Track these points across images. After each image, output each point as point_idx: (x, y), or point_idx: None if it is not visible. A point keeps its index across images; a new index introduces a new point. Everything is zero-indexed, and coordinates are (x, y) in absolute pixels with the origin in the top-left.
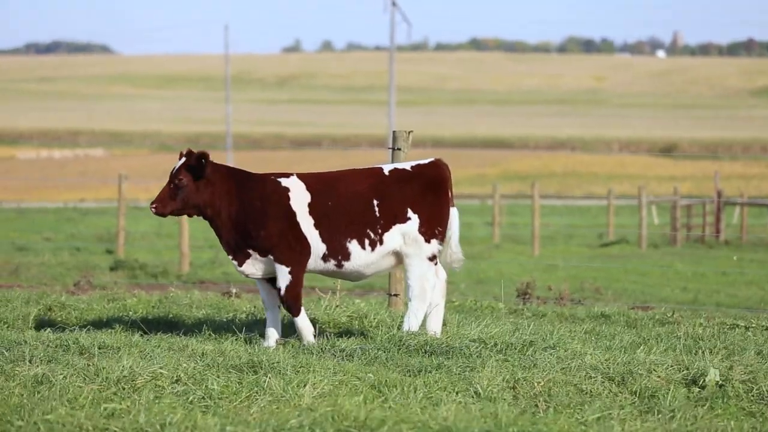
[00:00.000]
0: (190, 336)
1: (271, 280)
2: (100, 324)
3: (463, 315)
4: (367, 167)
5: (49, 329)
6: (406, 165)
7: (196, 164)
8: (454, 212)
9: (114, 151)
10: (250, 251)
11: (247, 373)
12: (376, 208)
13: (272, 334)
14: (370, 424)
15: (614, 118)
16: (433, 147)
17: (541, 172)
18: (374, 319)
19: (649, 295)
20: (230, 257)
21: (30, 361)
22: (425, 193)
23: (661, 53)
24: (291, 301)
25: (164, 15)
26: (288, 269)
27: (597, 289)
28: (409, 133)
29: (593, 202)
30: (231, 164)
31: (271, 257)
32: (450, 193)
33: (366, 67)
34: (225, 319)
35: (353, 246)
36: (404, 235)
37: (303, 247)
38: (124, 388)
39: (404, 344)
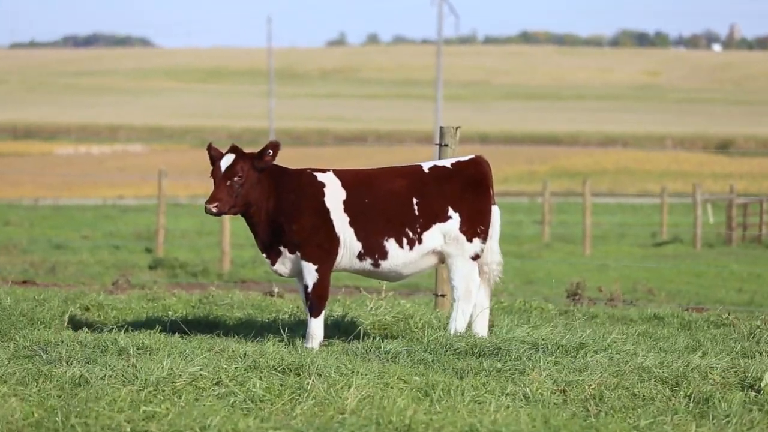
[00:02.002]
0: (231, 337)
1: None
2: (138, 324)
3: (512, 316)
4: (405, 165)
5: (86, 329)
6: (446, 162)
7: (263, 155)
8: (495, 211)
9: (154, 147)
10: (281, 248)
11: (289, 375)
12: (416, 207)
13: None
14: (415, 427)
15: (668, 114)
16: (480, 143)
17: (592, 169)
18: (420, 320)
19: (704, 296)
20: (264, 255)
21: (67, 362)
22: (466, 191)
23: (717, 47)
24: (315, 300)
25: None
26: (315, 267)
27: (650, 290)
28: (456, 128)
29: (646, 200)
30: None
31: (299, 254)
32: (491, 191)
33: (412, 61)
34: (267, 320)
35: (391, 245)
36: (445, 234)
37: (333, 245)
38: (163, 390)
39: (451, 346)
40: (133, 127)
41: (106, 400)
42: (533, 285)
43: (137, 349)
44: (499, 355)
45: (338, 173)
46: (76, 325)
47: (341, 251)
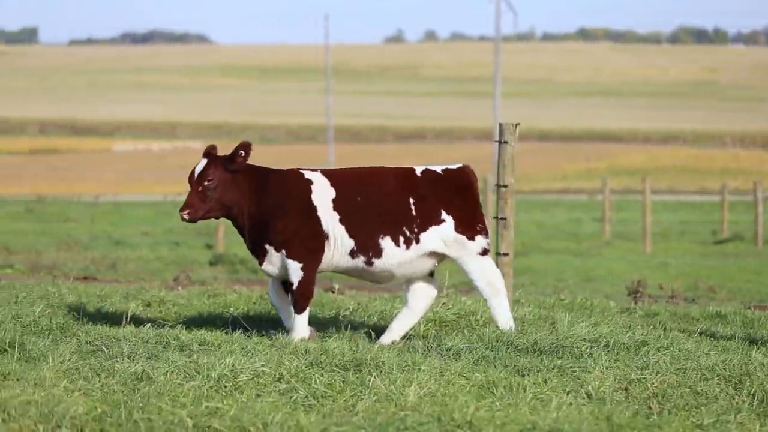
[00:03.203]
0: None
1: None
2: (200, 320)
3: (573, 313)
4: (397, 167)
5: (148, 325)
6: (437, 168)
7: (234, 156)
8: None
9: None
10: (267, 246)
11: (351, 371)
12: (412, 206)
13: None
14: (477, 424)
15: (727, 111)
16: (539, 140)
17: (651, 167)
18: (481, 317)
19: (766, 294)
20: (253, 256)
21: (130, 358)
22: (456, 196)
23: None
24: (300, 298)
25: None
26: (300, 265)
27: (711, 287)
28: (515, 125)
29: (706, 198)
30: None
31: (284, 252)
32: (478, 197)
33: (470, 58)
34: (328, 316)
35: (386, 243)
36: (443, 238)
37: (319, 244)
38: (225, 386)
39: (512, 343)
40: (191, 123)
41: (169, 395)
42: (593, 282)
43: (199, 345)
44: (561, 353)
45: (326, 172)
46: (137, 320)
47: (331, 249)
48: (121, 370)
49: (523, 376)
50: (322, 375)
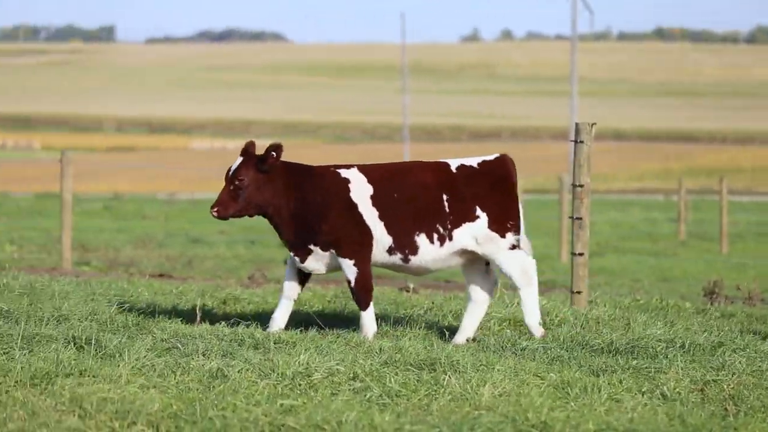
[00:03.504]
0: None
1: (302, 273)
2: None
3: (648, 314)
4: (433, 161)
5: (223, 323)
6: (473, 161)
7: (265, 156)
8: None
9: (288, 142)
10: (312, 247)
11: (425, 370)
12: (446, 203)
13: (275, 324)
14: (551, 424)
15: None
16: (615, 140)
17: (728, 167)
18: (556, 317)
19: None
20: (291, 254)
21: (205, 355)
22: (492, 191)
23: None
24: (361, 294)
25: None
26: (353, 262)
27: None
28: (592, 125)
29: None
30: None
31: (334, 252)
32: (516, 189)
33: (546, 57)
34: (402, 315)
35: (421, 240)
36: (476, 235)
37: (367, 238)
38: (300, 384)
39: (587, 343)
40: (267, 122)
41: (244, 393)
42: (669, 283)
43: (274, 343)
44: (636, 353)
45: (363, 169)
46: (212, 318)
47: (374, 244)
48: (196, 367)
49: (597, 376)
50: (396, 374)
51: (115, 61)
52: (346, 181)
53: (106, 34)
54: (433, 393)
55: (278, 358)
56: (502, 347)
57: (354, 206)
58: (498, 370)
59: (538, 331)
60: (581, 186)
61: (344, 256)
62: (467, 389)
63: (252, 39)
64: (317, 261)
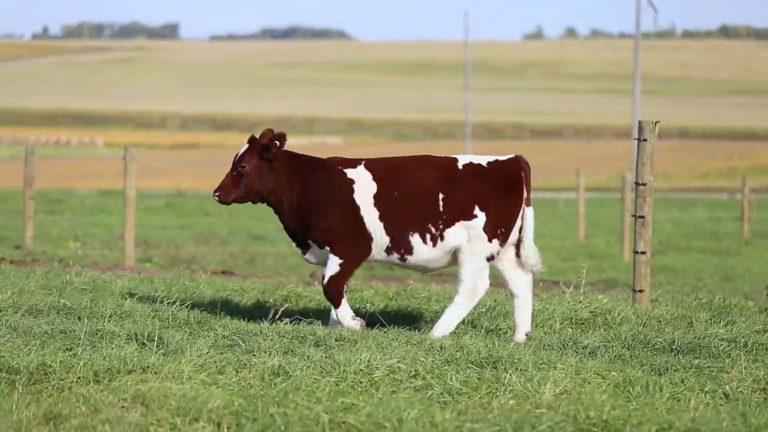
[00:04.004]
0: (429, 330)
1: None
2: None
3: (711, 313)
4: (442, 156)
5: (285, 320)
6: (483, 160)
7: (269, 145)
8: (529, 212)
9: (351, 139)
10: (310, 242)
11: (486, 368)
12: (441, 202)
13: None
14: (613, 423)
15: None
16: (679, 138)
17: None
18: (618, 315)
19: None
20: (294, 245)
21: (267, 353)
22: (497, 192)
23: None
24: (332, 292)
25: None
26: (340, 261)
27: None
28: (655, 123)
29: None
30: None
31: (328, 248)
32: (526, 192)
33: (610, 55)
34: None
35: (415, 240)
36: (468, 231)
37: (365, 242)
38: (361, 382)
39: (649, 342)
40: (330, 119)
41: (305, 390)
42: (732, 282)
43: (335, 340)
44: (698, 352)
45: (369, 165)
46: (274, 316)
47: (372, 245)
48: (257, 364)
49: (660, 375)
50: (457, 372)
51: (178, 59)
52: (351, 181)
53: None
54: (494, 391)
55: (340, 355)
56: (563, 345)
57: (356, 208)
58: (559, 368)
59: (437, 335)
60: (644, 184)
61: (335, 254)
62: (528, 387)
63: (316, 36)
64: (315, 256)
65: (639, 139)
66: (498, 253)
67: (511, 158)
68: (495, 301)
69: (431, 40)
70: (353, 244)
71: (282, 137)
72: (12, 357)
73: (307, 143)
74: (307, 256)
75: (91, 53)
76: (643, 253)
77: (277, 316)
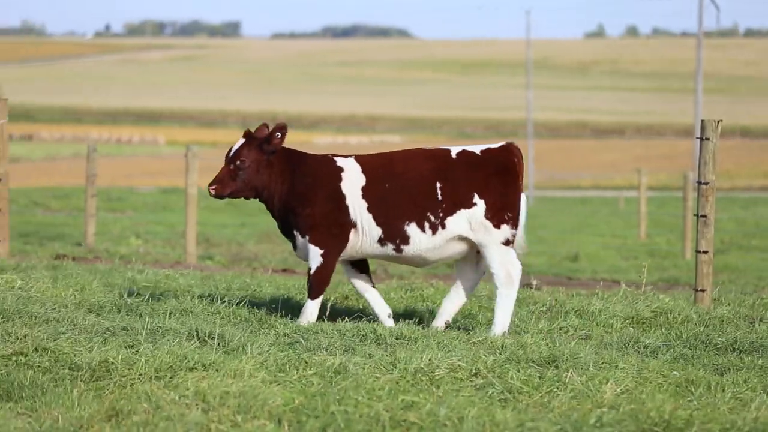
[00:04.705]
0: (489, 328)
1: (357, 262)
2: (397, 314)
3: None
4: (433, 148)
5: (346, 318)
6: (476, 149)
7: (270, 137)
8: (522, 198)
9: (412, 138)
10: (295, 232)
11: (547, 367)
12: (439, 191)
13: (382, 312)
14: (675, 423)
15: None
16: (741, 137)
17: None
18: (679, 315)
19: None
20: (287, 239)
21: (327, 351)
22: (493, 179)
23: None
24: (315, 284)
25: None
26: (321, 252)
27: None
28: (718, 122)
29: None
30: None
31: (307, 237)
32: (520, 179)
33: (672, 54)
34: (525, 312)
35: (412, 229)
36: (470, 221)
37: (343, 233)
38: (421, 380)
39: (711, 342)
40: (391, 117)
41: (365, 388)
42: None
43: (396, 338)
44: (760, 352)
45: (360, 159)
46: (335, 313)
47: (359, 237)
48: (318, 362)
49: (722, 375)
50: (518, 370)
51: (240, 57)
52: (340, 170)
53: (231, 30)
54: (555, 390)
55: (400, 353)
56: (624, 345)
57: (342, 197)
58: (620, 367)
59: (498, 333)
60: (706, 183)
61: (315, 245)
62: (589, 386)
63: (377, 35)
64: (300, 249)
65: (701, 138)
66: (514, 236)
67: (503, 145)
68: (555, 300)
69: (493, 38)
70: (329, 233)
71: (283, 128)
72: (74, 354)
73: (368, 142)
74: (297, 251)
75: (153, 51)
76: (705, 252)
77: (327, 313)
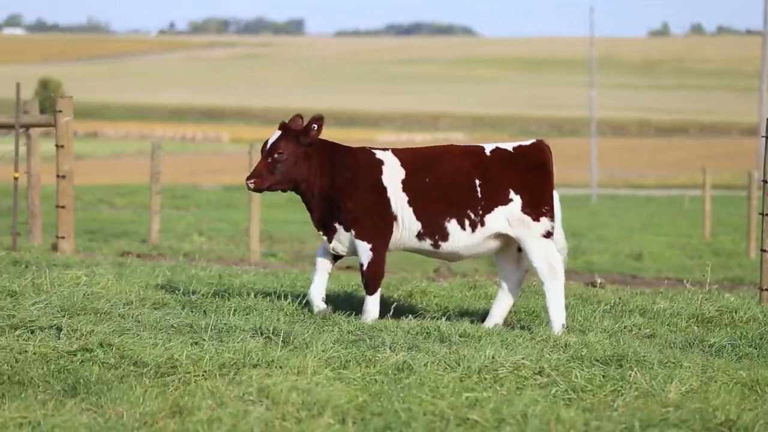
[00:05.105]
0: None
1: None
2: (460, 312)
3: None
4: (467, 145)
5: (410, 316)
6: (508, 146)
7: (308, 129)
8: (555, 196)
9: (475, 136)
10: (336, 225)
11: (611, 366)
12: (478, 188)
13: (314, 299)
14: (741, 423)
15: None
16: None
17: None
18: (745, 314)
19: None
20: (320, 233)
21: (391, 348)
22: (527, 175)
23: None
24: (371, 279)
25: None
26: (369, 246)
27: None
28: None
29: None
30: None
31: (353, 232)
32: (552, 176)
33: (737, 52)
34: (589, 311)
35: (452, 226)
36: (508, 218)
37: (387, 224)
38: (485, 378)
39: None
40: (454, 115)
41: (429, 386)
42: None
43: (460, 336)
44: None
45: (397, 152)
46: (398, 311)
47: (399, 231)
48: (382, 359)
49: None
50: (582, 369)
51: (304, 54)
52: (380, 162)
53: (295, 27)
54: (619, 389)
55: (464, 351)
56: (689, 344)
57: (383, 189)
58: (685, 366)
59: (558, 329)
60: None
61: (361, 238)
62: (653, 386)
63: (440, 32)
64: (340, 241)
65: (766, 137)
66: (553, 228)
67: (533, 143)
68: (619, 298)
69: (556, 36)
70: (374, 226)
71: (320, 120)
72: (139, 350)
73: (431, 139)
74: (333, 244)
75: (217, 49)
76: None
77: (390, 312)
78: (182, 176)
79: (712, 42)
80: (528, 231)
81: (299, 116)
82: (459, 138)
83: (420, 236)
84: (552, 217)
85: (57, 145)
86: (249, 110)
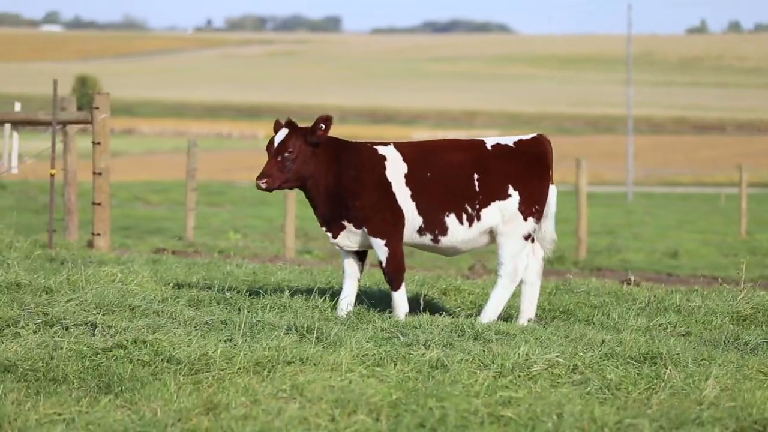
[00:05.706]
0: (587, 324)
1: (358, 252)
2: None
3: None
4: (468, 139)
5: (444, 313)
6: (509, 140)
7: (315, 128)
8: (552, 190)
9: (511, 133)
10: (345, 223)
11: (646, 364)
12: (476, 183)
13: (344, 306)
14: None
15: None
16: None
17: None
18: None
19: None
20: (324, 229)
21: (425, 346)
22: (527, 170)
23: None
24: (393, 274)
25: None
26: (384, 241)
27: None
28: None
29: None
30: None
31: (365, 229)
32: (551, 171)
33: None
34: (623, 308)
35: (451, 220)
36: (503, 212)
37: (397, 218)
38: (519, 376)
39: None
40: (490, 112)
41: (463, 383)
42: None
43: (494, 334)
44: None
45: (399, 146)
46: (433, 308)
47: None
48: (416, 357)
49: None
50: (616, 367)
51: (340, 52)
52: (383, 158)
53: (332, 25)
54: (654, 387)
55: (498, 349)
56: (723, 342)
57: (388, 185)
58: (720, 364)
59: (484, 320)
60: None
61: (375, 235)
62: (688, 384)
63: (477, 30)
64: (349, 238)
65: None
66: (534, 231)
67: (534, 137)
68: (654, 296)
69: (593, 33)
70: (385, 220)
71: (328, 120)
72: (173, 347)
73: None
74: (338, 239)
75: (254, 46)
76: None
77: (422, 308)
78: (218, 173)
79: (750, 40)
80: (514, 228)
81: (291, 120)
82: (493, 135)
83: (421, 231)
84: (538, 220)
85: (93, 142)
86: (285, 107)
